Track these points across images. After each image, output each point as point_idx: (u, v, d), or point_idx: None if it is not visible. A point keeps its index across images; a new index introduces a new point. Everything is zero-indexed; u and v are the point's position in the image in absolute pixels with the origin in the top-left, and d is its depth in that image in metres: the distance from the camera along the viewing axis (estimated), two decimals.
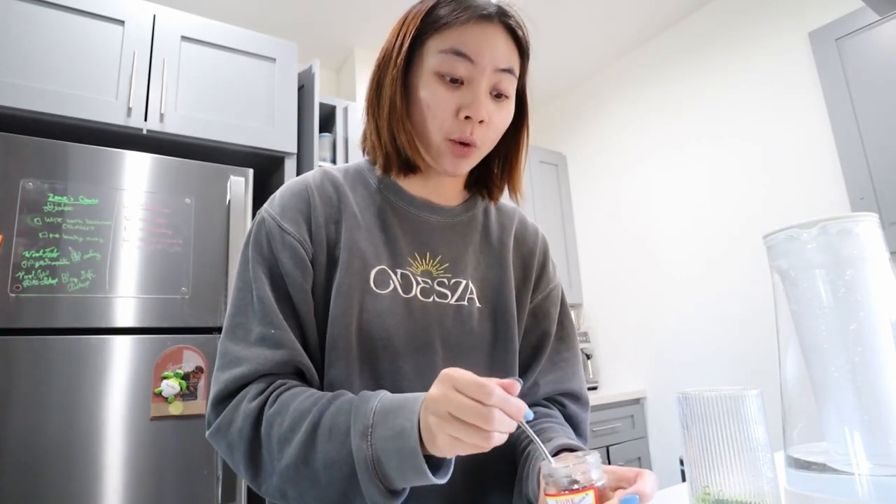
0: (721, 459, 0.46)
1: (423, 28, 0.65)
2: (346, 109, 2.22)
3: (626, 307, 2.72)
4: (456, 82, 0.63)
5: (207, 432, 0.60)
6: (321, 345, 0.63)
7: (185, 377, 1.45)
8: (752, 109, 2.25)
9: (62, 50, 1.56)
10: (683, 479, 2.14)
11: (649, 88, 2.70)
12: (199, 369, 1.47)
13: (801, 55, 2.10)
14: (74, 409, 1.32)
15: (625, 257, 2.75)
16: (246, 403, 0.57)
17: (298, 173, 1.94)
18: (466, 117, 0.63)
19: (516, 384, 0.46)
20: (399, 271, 0.66)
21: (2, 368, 1.27)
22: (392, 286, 0.65)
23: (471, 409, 0.44)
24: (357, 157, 2.14)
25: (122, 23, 1.66)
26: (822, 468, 0.49)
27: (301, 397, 0.56)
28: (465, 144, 0.65)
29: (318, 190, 0.68)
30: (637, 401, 2.55)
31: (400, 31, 0.67)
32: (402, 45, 0.66)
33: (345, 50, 2.70)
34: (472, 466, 0.65)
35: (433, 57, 0.64)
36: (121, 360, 1.39)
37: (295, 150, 1.88)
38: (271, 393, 0.57)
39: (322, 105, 2.15)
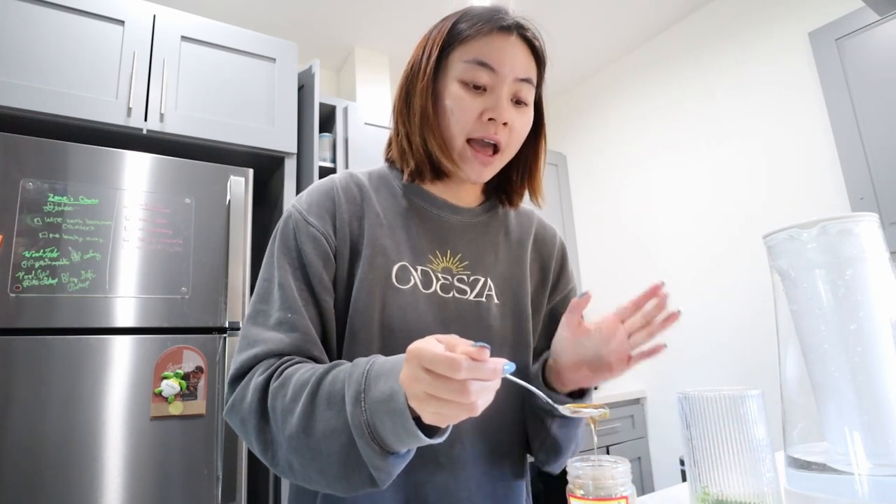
0: (721, 459, 0.46)
1: (448, 41, 0.70)
2: (346, 109, 2.22)
3: None
4: (479, 89, 0.67)
5: (224, 412, 0.62)
6: (340, 336, 0.65)
7: (185, 377, 1.45)
8: (752, 109, 2.25)
9: (62, 50, 1.56)
10: (683, 479, 2.14)
11: (649, 88, 2.70)
12: (199, 369, 1.47)
13: (801, 55, 2.10)
14: (74, 409, 1.32)
15: (625, 257, 2.75)
16: (255, 378, 0.58)
17: (298, 173, 1.94)
18: (490, 119, 0.66)
19: (485, 350, 0.43)
20: (420, 268, 0.69)
21: (2, 368, 1.27)
22: (413, 282, 0.68)
23: (444, 387, 0.43)
24: (357, 157, 2.14)
25: (122, 23, 1.66)
26: (822, 468, 0.49)
27: (303, 369, 0.57)
28: (488, 148, 0.68)
29: (344, 189, 0.71)
30: (637, 401, 2.55)
31: (426, 45, 0.72)
32: (430, 56, 0.70)
33: (345, 50, 2.70)
34: (490, 434, 0.69)
35: (457, 66, 0.68)
36: (121, 360, 1.39)
37: (295, 150, 1.88)
38: (277, 367, 0.59)
39: (322, 105, 2.15)
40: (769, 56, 2.21)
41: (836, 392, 0.49)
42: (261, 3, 2.32)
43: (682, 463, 2.19)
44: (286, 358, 0.60)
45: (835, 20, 1.94)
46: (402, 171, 0.75)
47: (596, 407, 0.56)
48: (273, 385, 0.57)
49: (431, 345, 0.44)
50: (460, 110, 0.67)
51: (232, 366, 0.62)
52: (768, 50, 2.22)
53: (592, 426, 0.56)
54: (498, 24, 0.68)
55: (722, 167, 2.34)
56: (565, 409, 0.56)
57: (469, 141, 0.68)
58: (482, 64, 0.66)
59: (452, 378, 0.42)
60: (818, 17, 2.06)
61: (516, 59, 0.67)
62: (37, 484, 1.25)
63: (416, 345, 0.45)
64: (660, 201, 2.59)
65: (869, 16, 1.81)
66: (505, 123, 0.67)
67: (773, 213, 2.14)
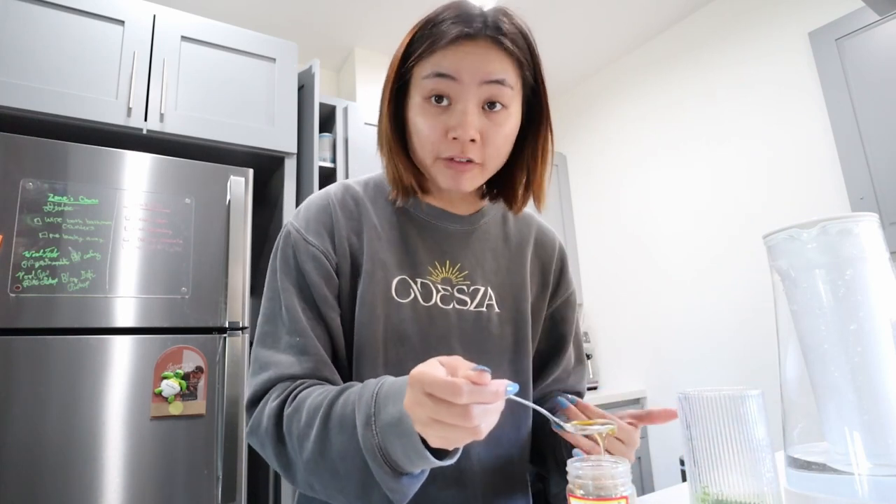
0: (721, 459, 0.46)
1: (407, 58, 0.65)
2: (346, 109, 2.22)
3: (626, 307, 2.72)
4: (442, 101, 0.62)
5: (245, 434, 0.64)
6: (349, 349, 0.66)
7: (185, 377, 1.45)
8: (752, 109, 2.25)
9: (62, 50, 1.56)
10: (683, 479, 2.13)
11: (649, 88, 2.70)
12: (199, 369, 1.47)
13: (801, 55, 2.10)
14: (74, 409, 1.32)
15: (625, 257, 2.75)
16: (269, 404, 0.59)
17: (298, 173, 1.94)
18: (454, 138, 0.62)
19: (486, 374, 0.43)
20: (419, 280, 0.69)
21: (2, 368, 1.27)
22: (413, 295, 0.68)
23: (446, 411, 0.43)
24: (357, 158, 2.14)
25: (122, 23, 1.66)
26: (822, 468, 0.49)
27: (315, 393, 0.58)
28: (459, 162, 0.64)
29: (340, 203, 0.71)
30: (637, 401, 2.55)
31: (391, 65, 0.68)
32: (390, 80, 0.67)
33: (345, 50, 2.70)
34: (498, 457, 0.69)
35: (419, 83, 0.64)
36: (121, 360, 1.39)
37: (295, 150, 1.88)
38: (291, 392, 0.60)
39: (322, 105, 2.15)
40: (769, 56, 2.21)
41: (836, 392, 0.49)
42: (261, 3, 2.32)
43: (682, 463, 2.19)
44: (299, 382, 0.61)
45: (835, 20, 1.94)
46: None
47: (603, 423, 0.55)
48: (287, 411, 0.58)
49: (433, 368, 0.45)
50: (425, 130, 0.63)
51: (247, 390, 0.63)
52: (768, 50, 2.22)
53: (601, 442, 0.55)
54: (459, 32, 0.61)
55: (722, 167, 2.34)
56: (570, 427, 0.55)
57: (441, 159, 0.65)
58: (441, 75, 0.61)
59: (454, 403, 0.42)
60: (818, 17, 2.06)
61: (483, 63, 0.61)
62: (37, 484, 1.24)
63: (419, 369, 0.45)
64: (660, 201, 2.59)
65: (869, 16, 1.81)
66: (473, 140, 0.62)
67: (773, 213, 2.13)
